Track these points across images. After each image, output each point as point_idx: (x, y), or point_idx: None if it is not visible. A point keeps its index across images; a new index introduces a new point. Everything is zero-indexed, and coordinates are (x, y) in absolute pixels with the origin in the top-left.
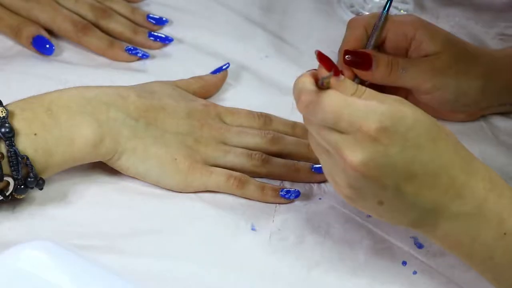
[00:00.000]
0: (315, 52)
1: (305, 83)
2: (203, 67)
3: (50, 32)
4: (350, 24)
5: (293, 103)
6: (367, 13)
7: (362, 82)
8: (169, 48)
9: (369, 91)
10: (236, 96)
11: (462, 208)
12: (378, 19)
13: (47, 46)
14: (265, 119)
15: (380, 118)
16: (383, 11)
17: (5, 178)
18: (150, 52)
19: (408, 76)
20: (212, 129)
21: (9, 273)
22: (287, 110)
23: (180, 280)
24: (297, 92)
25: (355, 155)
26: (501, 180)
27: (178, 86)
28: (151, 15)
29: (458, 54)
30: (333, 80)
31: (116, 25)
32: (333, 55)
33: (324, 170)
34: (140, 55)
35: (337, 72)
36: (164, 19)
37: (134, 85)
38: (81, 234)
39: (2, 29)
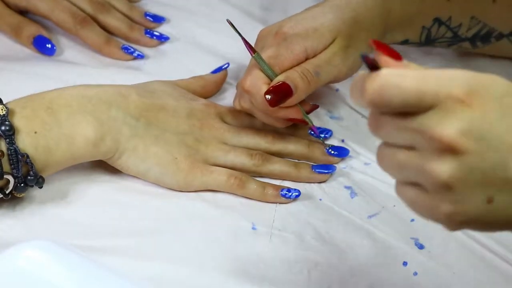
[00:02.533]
0: (371, 41)
1: (364, 74)
2: (203, 67)
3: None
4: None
5: None
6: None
7: None
8: (169, 48)
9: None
10: None
11: None
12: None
13: (48, 46)
14: None
15: (468, 81)
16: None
17: (5, 176)
18: (150, 51)
19: (324, 75)
20: (213, 128)
21: (9, 273)
22: None
23: (180, 279)
24: (359, 85)
25: (450, 126)
26: None
27: (178, 85)
28: (148, 13)
29: (347, 31)
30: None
31: (113, 20)
32: None
33: (415, 177)
34: (136, 55)
35: (398, 57)
36: (161, 17)
37: (135, 84)
38: (81, 233)
39: (2, 27)
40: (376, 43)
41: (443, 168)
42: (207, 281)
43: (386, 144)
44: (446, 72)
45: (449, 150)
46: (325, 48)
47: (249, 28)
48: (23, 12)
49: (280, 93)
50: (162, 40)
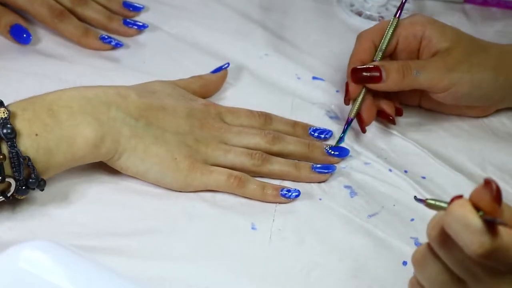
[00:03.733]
0: (484, 180)
1: (468, 218)
2: (203, 67)
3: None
4: (358, 38)
5: (293, 103)
6: (376, 23)
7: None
8: (169, 48)
9: None
10: (236, 96)
11: None
12: (387, 28)
13: (24, 35)
14: (265, 118)
15: None
16: (391, 20)
17: (6, 179)
18: (150, 51)
19: (422, 77)
20: (213, 128)
21: (9, 273)
22: (287, 109)
23: (180, 279)
24: (462, 230)
25: None
26: None
27: (178, 85)
28: (127, 2)
29: (469, 48)
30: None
31: (92, 12)
32: (332, 54)
33: None
34: (114, 43)
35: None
36: (140, 6)
37: (134, 84)
38: (82, 234)
39: None
40: (488, 183)
41: None
42: (207, 281)
43: (435, 256)
44: None
45: None
46: (437, 53)
47: (249, 28)
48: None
49: (368, 72)
50: (141, 28)
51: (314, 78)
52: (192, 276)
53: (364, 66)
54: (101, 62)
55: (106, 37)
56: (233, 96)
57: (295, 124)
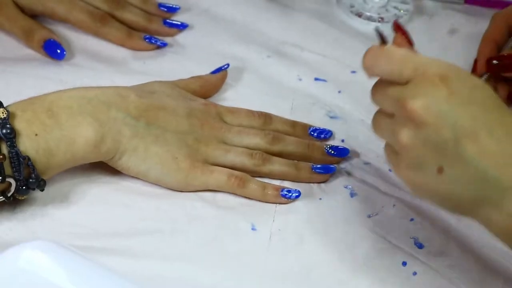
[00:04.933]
0: (393, 23)
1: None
2: (203, 67)
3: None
4: (494, 17)
5: (293, 103)
6: (376, 24)
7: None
8: (169, 48)
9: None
10: (236, 96)
11: None
12: None
13: (58, 51)
14: (265, 118)
15: (445, 67)
16: None
17: (7, 179)
18: (150, 52)
19: None
20: (213, 128)
21: (9, 273)
22: (287, 110)
23: (180, 280)
24: (365, 53)
25: (416, 100)
26: None
27: (177, 85)
28: (162, 3)
29: None
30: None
31: (131, 15)
32: (332, 55)
33: (385, 146)
34: (159, 43)
35: (410, 43)
36: (175, 6)
37: (134, 85)
38: (82, 234)
39: (14, 30)
40: (397, 25)
41: (404, 134)
42: (207, 281)
43: (378, 110)
44: (431, 58)
45: (411, 120)
46: None
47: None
48: (34, 17)
49: (507, 61)
50: (181, 28)
51: (316, 79)
52: (192, 276)
53: (502, 55)
54: (101, 63)
55: (151, 37)
56: (233, 97)
57: (294, 124)
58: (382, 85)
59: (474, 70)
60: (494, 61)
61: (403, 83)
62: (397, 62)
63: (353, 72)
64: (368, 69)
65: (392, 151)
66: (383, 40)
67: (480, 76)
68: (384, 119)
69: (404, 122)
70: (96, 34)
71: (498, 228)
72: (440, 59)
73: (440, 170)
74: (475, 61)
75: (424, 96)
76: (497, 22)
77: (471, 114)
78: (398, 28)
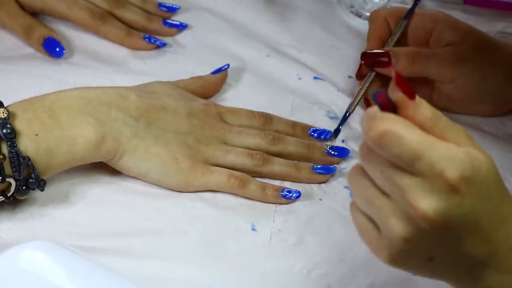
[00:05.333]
0: (393, 72)
1: (370, 110)
2: (204, 68)
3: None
4: (371, 17)
5: (293, 103)
6: (368, 14)
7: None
8: (169, 48)
9: (444, 120)
10: (236, 96)
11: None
12: (401, 20)
13: (57, 49)
14: (266, 119)
15: (462, 165)
16: (402, 21)
17: (7, 179)
18: (150, 52)
19: (432, 64)
20: (213, 128)
21: (9, 273)
22: (287, 110)
23: (180, 280)
24: (369, 118)
25: (429, 202)
26: None
27: (178, 86)
28: (162, 3)
29: (479, 43)
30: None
31: (131, 14)
32: (332, 55)
33: (375, 216)
34: (158, 43)
35: (412, 95)
36: (175, 6)
37: (135, 85)
38: (82, 234)
39: (14, 27)
40: (398, 75)
41: (401, 227)
42: (207, 281)
43: (364, 172)
44: (449, 148)
45: (417, 220)
46: (448, 45)
47: (249, 29)
48: (35, 15)
49: (378, 57)
50: (181, 28)
51: (315, 78)
52: (192, 276)
53: (374, 51)
54: (101, 63)
55: (151, 37)
56: (233, 97)
57: (295, 124)
58: (380, 160)
59: (359, 69)
60: (365, 59)
61: (412, 172)
62: (410, 151)
63: (350, 77)
64: (375, 147)
65: (371, 226)
66: (385, 105)
67: (366, 74)
68: (373, 191)
69: (406, 218)
70: (96, 32)
71: None
72: (457, 147)
73: (431, 258)
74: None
75: (439, 200)
76: (378, 20)
77: (478, 211)
78: (400, 79)
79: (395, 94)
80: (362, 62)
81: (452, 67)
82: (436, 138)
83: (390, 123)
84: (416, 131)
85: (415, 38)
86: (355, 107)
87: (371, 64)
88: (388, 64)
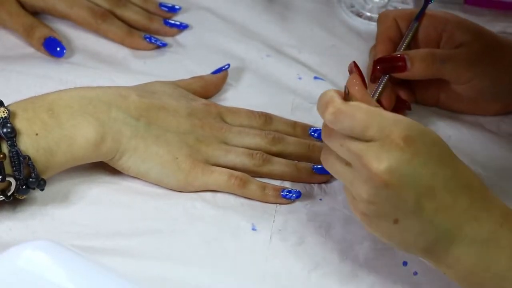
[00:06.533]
0: (351, 64)
1: (332, 95)
2: (204, 68)
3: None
4: (380, 19)
5: (293, 103)
6: (368, 14)
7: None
8: (169, 48)
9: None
10: (237, 96)
11: (478, 232)
12: (412, 21)
13: (58, 49)
14: (266, 119)
15: (408, 127)
16: (417, 14)
17: (7, 179)
18: (151, 52)
19: (448, 66)
20: (213, 128)
21: (9, 273)
22: (287, 110)
23: (180, 280)
24: (324, 103)
25: (381, 162)
26: None
27: (178, 86)
28: (163, 3)
29: (491, 42)
30: (357, 92)
31: (132, 14)
32: (333, 55)
33: (344, 185)
34: (159, 43)
35: (364, 85)
36: (176, 7)
37: (135, 85)
38: (82, 234)
39: (15, 26)
40: (355, 65)
41: (365, 191)
42: (207, 281)
43: (330, 150)
44: (394, 115)
45: (373, 180)
46: (461, 46)
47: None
48: (36, 14)
49: (393, 63)
50: (181, 28)
51: (315, 78)
52: (192, 276)
53: (389, 56)
54: (101, 63)
55: (151, 37)
56: (233, 97)
57: (295, 124)
58: (338, 135)
59: (373, 72)
60: (379, 65)
61: (366, 140)
62: (360, 121)
63: None
64: (330, 123)
65: (349, 192)
66: (346, 95)
67: (380, 76)
68: (339, 164)
69: (365, 180)
70: (97, 31)
71: (447, 271)
72: (401, 117)
73: (396, 221)
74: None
75: (388, 159)
76: (387, 21)
77: (431, 172)
78: (356, 67)
79: (352, 82)
80: (378, 67)
81: (467, 68)
82: (383, 110)
83: (341, 104)
84: (364, 105)
85: (425, 40)
86: None
87: (386, 70)
88: (403, 68)
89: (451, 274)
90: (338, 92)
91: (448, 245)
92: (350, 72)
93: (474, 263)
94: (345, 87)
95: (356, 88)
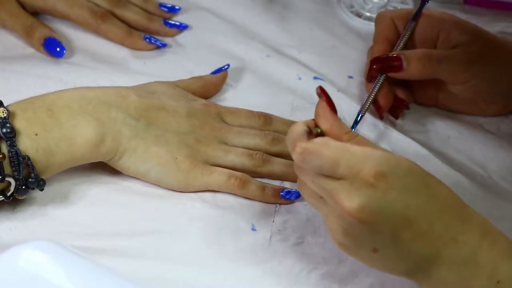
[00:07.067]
0: (317, 88)
1: (299, 131)
2: (204, 68)
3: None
4: (378, 19)
5: (293, 103)
6: (368, 14)
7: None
8: (169, 48)
9: (361, 137)
10: (236, 96)
11: (456, 254)
12: (409, 21)
13: (58, 49)
14: (265, 119)
15: (378, 162)
16: (410, 23)
17: (6, 179)
18: (151, 52)
19: (444, 66)
20: (213, 128)
21: (9, 273)
22: (287, 110)
23: (180, 280)
24: (292, 140)
25: (351, 200)
26: (493, 227)
27: (178, 86)
28: (163, 4)
29: (488, 42)
30: (325, 123)
31: (131, 14)
32: (333, 55)
33: (321, 217)
34: (159, 43)
35: (333, 109)
36: (176, 7)
37: (135, 85)
38: (82, 234)
39: (14, 26)
40: (322, 90)
41: (339, 225)
42: (207, 281)
43: (304, 184)
44: (363, 151)
45: (347, 217)
46: (457, 46)
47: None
48: (36, 15)
49: (389, 63)
50: (181, 28)
51: (315, 78)
52: (192, 276)
53: (385, 56)
54: (101, 63)
55: (151, 37)
56: (233, 97)
57: None
58: (309, 172)
59: (370, 71)
60: (375, 65)
61: (335, 177)
62: (329, 161)
63: (351, 77)
64: (295, 166)
65: (326, 223)
66: (311, 131)
67: (376, 76)
68: (313, 196)
69: (339, 216)
70: (96, 31)
71: None
72: (372, 149)
73: (375, 250)
74: (370, 62)
75: (359, 197)
76: (384, 21)
77: (405, 204)
78: (323, 93)
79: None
80: (374, 66)
81: (464, 68)
82: (353, 144)
83: (308, 143)
84: (331, 142)
85: (422, 40)
86: (366, 110)
87: (382, 69)
88: (399, 68)
89: None
90: (305, 125)
91: (428, 269)
92: (319, 96)
93: (455, 283)
94: (317, 122)
95: (325, 117)
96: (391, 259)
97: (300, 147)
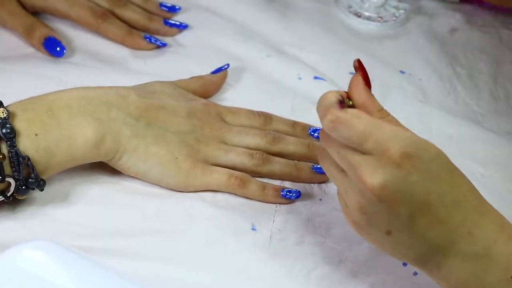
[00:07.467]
0: (354, 61)
1: (332, 100)
2: (203, 67)
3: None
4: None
5: (293, 103)
6: (376, 24)
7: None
8: (169, 48)
9: (391, 117)
10: (236, 96)
11: (471, 247)
12: None
13: (58, 49)
14: (266, 118)
15: (407, 143)
16: None
17: (6, 179)
18: (151, 52)
19: None
20: (213, 128)
21: (9, 273)
22: (287, 110)
23: (180, 280)
24: (324, 108)
25: (374, 177)
26: (510, 224)
27: (178, 85)
28: (163, 3)
29: None
30: (359, 96)
31: (131, 13)
32: (332, 55)
33: (338, 190)
34: (159, 43)
35: (368, 84)
36: (176, 7)
37: (135, 85)
38: (82, 234)
39: (15, 26)
40: (359, 63)
41: (357, 201)
42: (207, 281)
43: (327, 153)
44: (394, 130)
45: (366, 193)
46: None
47: (249, 29)
48: (36, 14)
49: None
50: (181, 28)
51: (315, 78)
52: (192, 276)
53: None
54: (101, 63)
55: (151, 37)
56: (233, 97)
57: (295, 124)
58: (336, 142)
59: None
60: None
61: (362, 151)
62: (358, 133)
63: (351, 73)
64: (322, 135)
65: (342, 198)
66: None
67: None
68: (335, 169)
69: (359, 191)
70: (97, 30)
71: (440, 282)
72: (401, 131)
73: (389, 232)
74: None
75: (383, 175)
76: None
77: (426, 189)
78: (360, 66)
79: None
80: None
81: None
82: (384, 122)
83: (341, 112)
84: (364, 115)
85: None
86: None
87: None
88: None
89: (444, 285)
90: (339, 95)
91: (440, 259)
92: (356, 69)
93: (467, 277)
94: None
95: (358, 91)
96: (403, 244)
97: (332, 115)
